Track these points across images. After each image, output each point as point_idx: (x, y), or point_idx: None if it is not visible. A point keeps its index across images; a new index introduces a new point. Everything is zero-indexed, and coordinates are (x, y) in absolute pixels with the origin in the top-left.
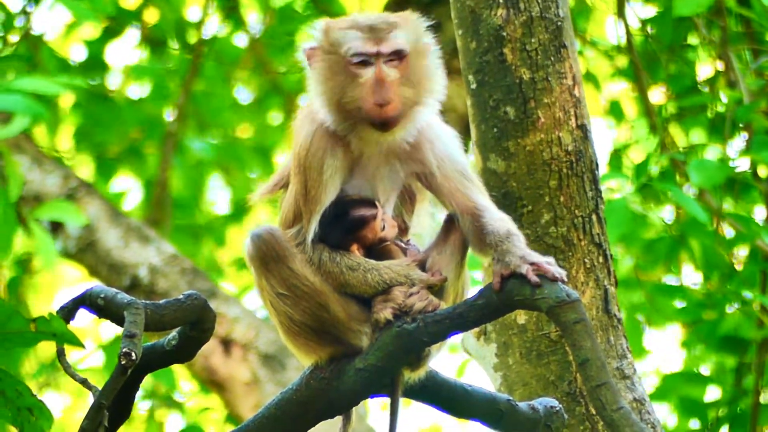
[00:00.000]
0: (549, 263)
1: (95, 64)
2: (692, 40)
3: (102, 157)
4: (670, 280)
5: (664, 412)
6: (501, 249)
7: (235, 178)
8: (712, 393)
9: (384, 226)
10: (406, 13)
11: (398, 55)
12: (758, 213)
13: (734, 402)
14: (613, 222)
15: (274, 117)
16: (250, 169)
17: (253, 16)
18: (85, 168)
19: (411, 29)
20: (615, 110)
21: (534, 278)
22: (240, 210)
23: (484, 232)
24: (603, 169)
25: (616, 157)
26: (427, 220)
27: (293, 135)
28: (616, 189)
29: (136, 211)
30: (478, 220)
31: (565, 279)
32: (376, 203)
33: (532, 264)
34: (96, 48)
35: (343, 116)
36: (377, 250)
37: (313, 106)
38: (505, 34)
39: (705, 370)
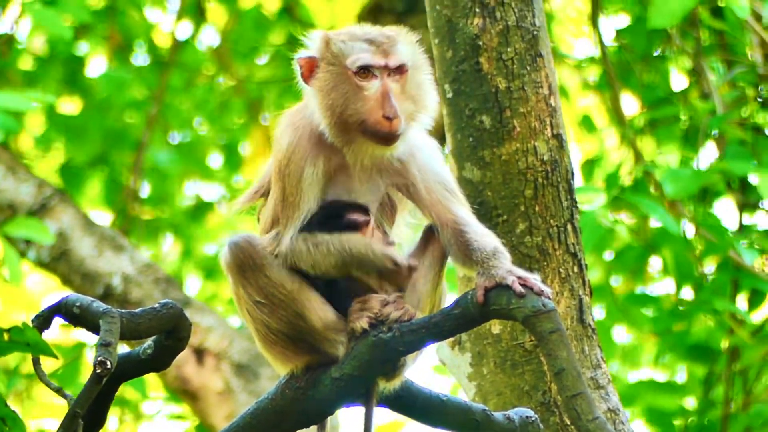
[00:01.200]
0: (535, 279)
1: (70, 60)
2: (666, 50)
3: (68, 166)
4: (643, 289)
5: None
6: (487, 265)
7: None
8: (681, 402)
9: (373, 233)
10: (399, 28)
11: (401, 70)
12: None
13: (703, 412)
14: (585, 235)
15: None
16: (212, 170)
17: (220, 21)
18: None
19: (409, 44)
20: (586, 123)
21: (519, 288)
22: (203, 208)
23: (470, 248)
24: (578, 178)
25: (588, 166)
26: (406, 231)
27: (275, 142)
28: (587, 201)
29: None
30: (462, 234)
31: (551, 296)
32: (368, 210)
33: (519, 277)
34: (67, 47)
35: (344, 128)
36: None
37: (297, 115)
38: (481, 43)
39: (675, 378)
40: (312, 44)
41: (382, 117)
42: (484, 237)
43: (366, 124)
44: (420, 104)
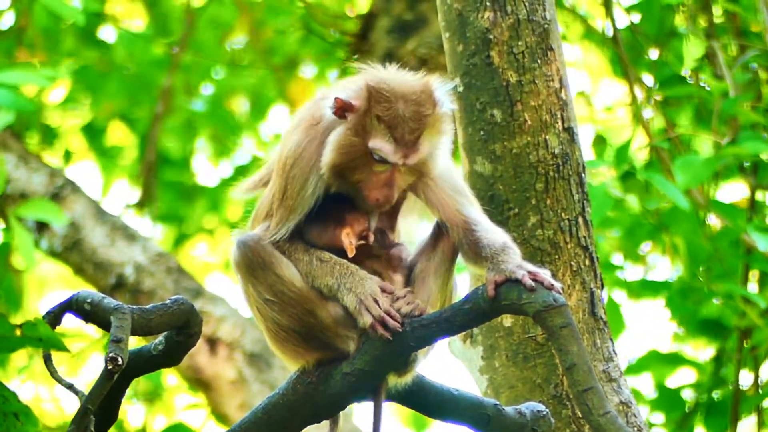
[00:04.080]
0: (545, 273)
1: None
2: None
3: (91, 124)
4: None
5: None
6: (497, 260)
7: (224, 143)
8: (689, 376)
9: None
10: (435, 87)
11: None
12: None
13: (713, 389)
14: (594, 207)
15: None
16: (239, 133)
17: None
18: (73, 137)
19: (435, 117)
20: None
21: (529, 282)
22: (236, 174)
23: (480, 245)
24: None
25: (600, 142)
26: (414, 230)
27: (285, 134)
28: (597, 175)
29: (128, 170)
30: (473, 233)
31: (561, 291)
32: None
33: (529, 272)
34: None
35: (341, 179)
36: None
37: (316, 111)
38: (492, 36)
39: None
40: (356, 92)
41: (375, 198)
42: (494, 234)
43: (361, 191)
44: (424, 173)
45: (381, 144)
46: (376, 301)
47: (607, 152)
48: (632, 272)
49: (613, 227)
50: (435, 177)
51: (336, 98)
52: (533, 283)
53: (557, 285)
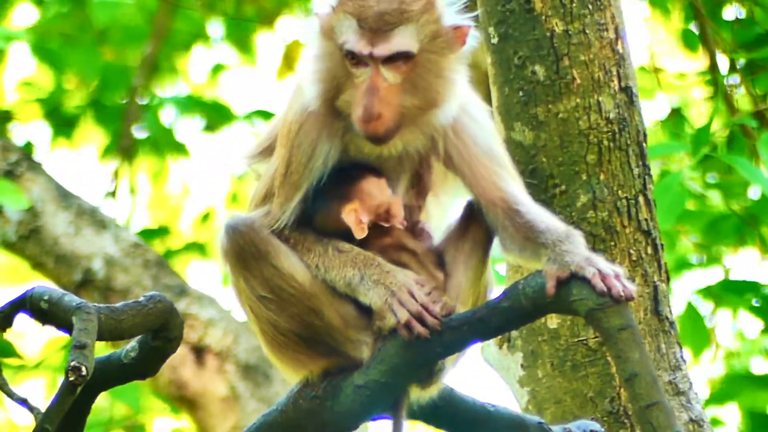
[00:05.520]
0: (618, 274)
1: None
2: None
3: (57, 112)
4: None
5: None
6: (560, 249)
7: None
8: None
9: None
10: None
11: (402, 57)
12: None
13: None
14: (667, 204)
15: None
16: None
17: None
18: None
19: (427, 18)
20: (689, 38)
21: (600, 285)
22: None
23: (536, 229)
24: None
25: (677, 117)
26: (443, 213)
27: (289, 98)
28: (671, 162)
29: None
30: (520, 215)
31: (634, 296)
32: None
33: (599, 271)
34: None
35: (335, 114)
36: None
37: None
38: None
39: None
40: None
41: (358, 117)
42: (550, 217)
43: (353, 118)
44: (429, 98)
45: (347, 35)
46: (412, 294)
47: (684, 132)
48: (712, 275)
49: (691, 222)
50: (461, 132)
51: (317, 15)
52: (605, 287)
53: (632, 290)
